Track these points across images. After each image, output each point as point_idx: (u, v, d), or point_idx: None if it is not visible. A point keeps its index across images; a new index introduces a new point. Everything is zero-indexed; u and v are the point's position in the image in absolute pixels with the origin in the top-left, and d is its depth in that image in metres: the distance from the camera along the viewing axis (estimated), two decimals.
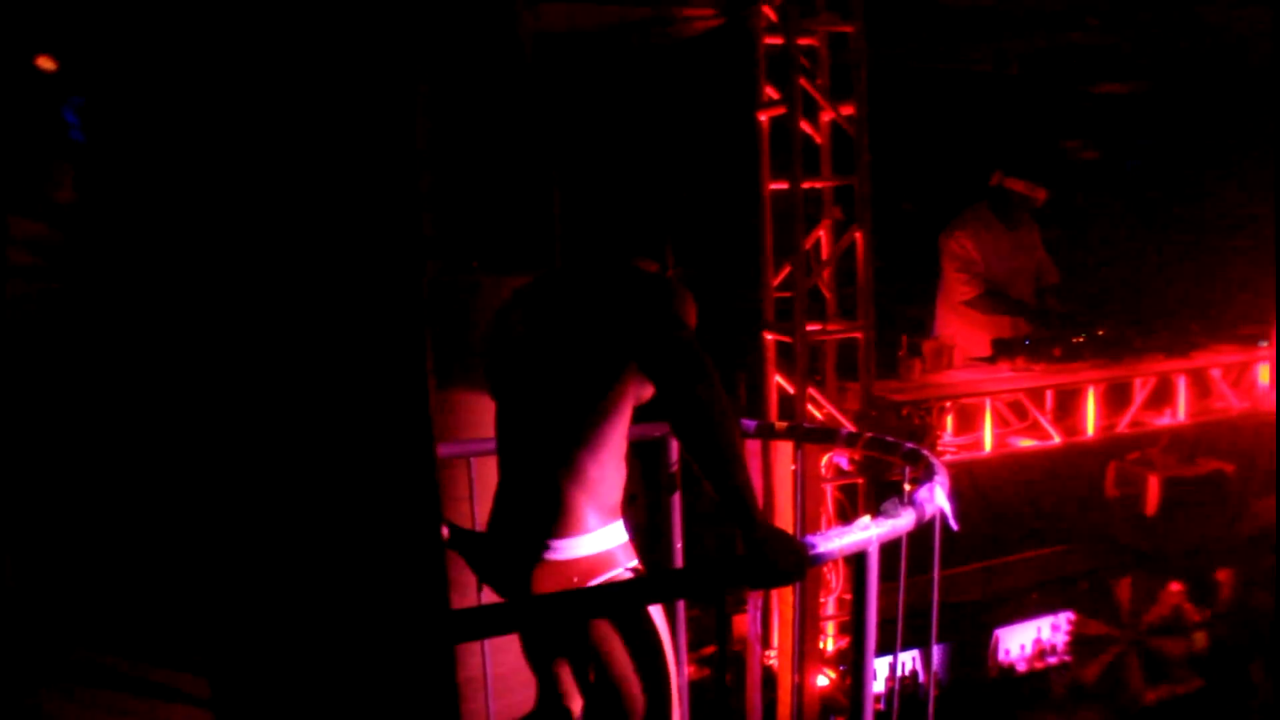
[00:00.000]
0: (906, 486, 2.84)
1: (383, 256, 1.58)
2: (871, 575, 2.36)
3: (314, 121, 1.54)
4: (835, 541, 2.23)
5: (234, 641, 1.56)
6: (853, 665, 2.43)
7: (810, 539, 2.20)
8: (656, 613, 2.46)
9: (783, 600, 4.10)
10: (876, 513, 2.41)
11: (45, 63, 4.52)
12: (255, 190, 1.55)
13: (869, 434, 3.23)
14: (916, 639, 3.05)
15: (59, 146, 4.39)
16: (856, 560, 2.36)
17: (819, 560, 2.21)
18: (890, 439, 3.12)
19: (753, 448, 3.97)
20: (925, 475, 2.66)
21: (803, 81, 3.89)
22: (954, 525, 2.57)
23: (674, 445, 3.43)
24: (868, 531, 2.29)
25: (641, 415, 2.50)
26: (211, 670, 1.66)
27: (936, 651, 4.77)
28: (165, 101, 1.60)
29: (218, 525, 1.58)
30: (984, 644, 4.94)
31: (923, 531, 2.52)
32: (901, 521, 2.38)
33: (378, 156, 1.56)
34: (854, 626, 2.42)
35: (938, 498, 2.52)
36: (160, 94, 1.61)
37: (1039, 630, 5.04)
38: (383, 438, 1.57)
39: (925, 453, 2.82)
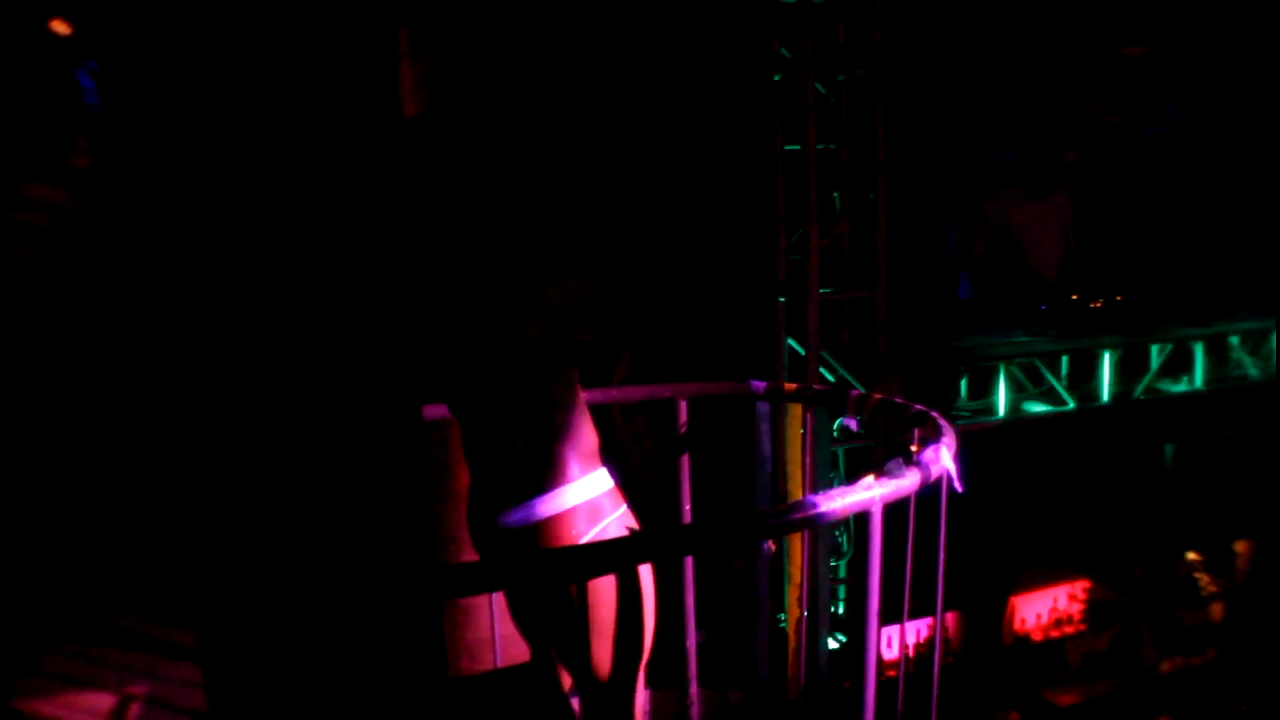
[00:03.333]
0: (913, 448, 2.80)
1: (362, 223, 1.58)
2: (875, 536, 2.33)
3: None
4: (837, 501, 2.20)
5: (220, 596, 1.56)
6: (859, 627, 2.41)
7: (812, 498, 2.17)
8: (646, 574, 2.42)
9: (792, 562, 4.09)
10: (880, 473, 2.38)
11: (60, 27, 4.50)
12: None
13: (878, 395, 3.19)
14: (932, 606, 3.03)
15: (76, 111, 4.39)
16: (859, 521, 2.33)
17: (822, 520, 2.18)
18: (899, 400, 3.08)
19: (763, 410, 3.93)
20: (934, 436, 2.63)
21: (817, 40, 3.83)
22: (959, 487, 2.53)
23: (683, 406, 3.41)
24: (870, 491, 2.26)
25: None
26: (198, 625, 1.66)
27: (953, 619, 4.75)
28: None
29: (209, 483, 1.58)
30: (1000, 612, 4.92)
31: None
32: (905, 482, 2.34)
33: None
34: (859, 588, 2.40)
35: (943, 459, 2.48)
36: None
37: (1055, 599, 5.02)
38: (365, 398, 1.56)
39: (934, 414, 2.78)
